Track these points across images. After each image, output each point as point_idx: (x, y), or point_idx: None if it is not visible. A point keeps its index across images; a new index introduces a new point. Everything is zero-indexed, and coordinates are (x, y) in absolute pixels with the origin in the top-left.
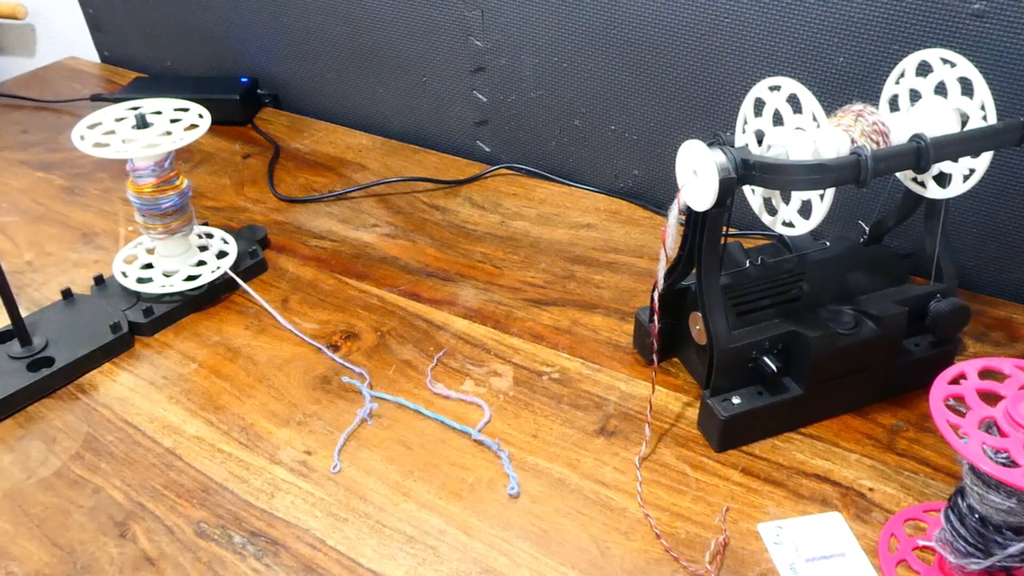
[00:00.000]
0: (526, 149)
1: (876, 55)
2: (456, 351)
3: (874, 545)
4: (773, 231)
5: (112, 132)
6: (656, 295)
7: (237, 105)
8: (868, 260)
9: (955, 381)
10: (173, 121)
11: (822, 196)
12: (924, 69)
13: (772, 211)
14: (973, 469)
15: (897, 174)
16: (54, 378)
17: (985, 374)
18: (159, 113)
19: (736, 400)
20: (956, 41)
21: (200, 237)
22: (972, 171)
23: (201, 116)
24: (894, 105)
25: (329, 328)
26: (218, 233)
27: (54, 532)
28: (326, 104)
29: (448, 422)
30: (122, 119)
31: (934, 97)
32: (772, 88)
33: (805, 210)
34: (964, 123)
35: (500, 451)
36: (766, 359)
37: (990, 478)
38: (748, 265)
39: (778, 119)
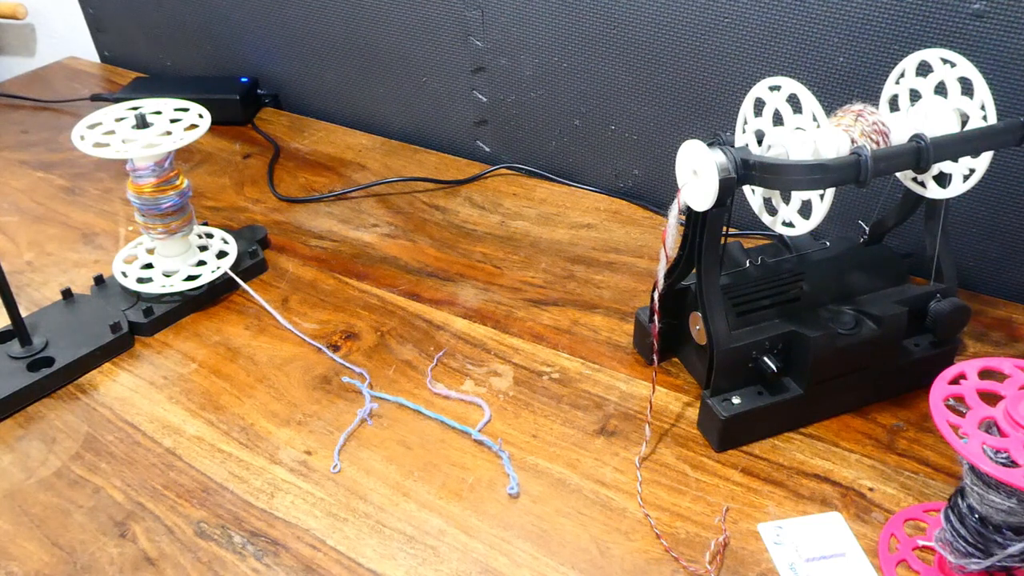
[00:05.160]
0: (526, 149)
1: (876, 55)
2: (456, 351)
3: (874, 545)
4: (773, 231)
5: (112, 132)
6: (656, 295)
7: (237, 105)
8: (868, 260)
9: (955, 381)
10: (173, 121)
11: (822, 196)
12: (924, 69)
13: (772, 211)
14: (973, 469)
15: (897, 174)
16: (54, 378)
17: (985, 374)
18: (159, 113)
19: (736, 400)
20: (956, 41)
21: (200, 237)
22: (972, 171)
23: (201, 116)
24: (894, 105)
25: (329, 328)
26: (218, 233)
27: (54, 532)
28: (326, 104)
29: (448, 422)
30: (122, 119)
31: (934, 97)
32: (772, 88)
33: (805, 210)
34: (964, 123)
35: (501, 451)
36: (766, 359)
37: (990, 478)
38: (748, 265)
39: (778, 119)
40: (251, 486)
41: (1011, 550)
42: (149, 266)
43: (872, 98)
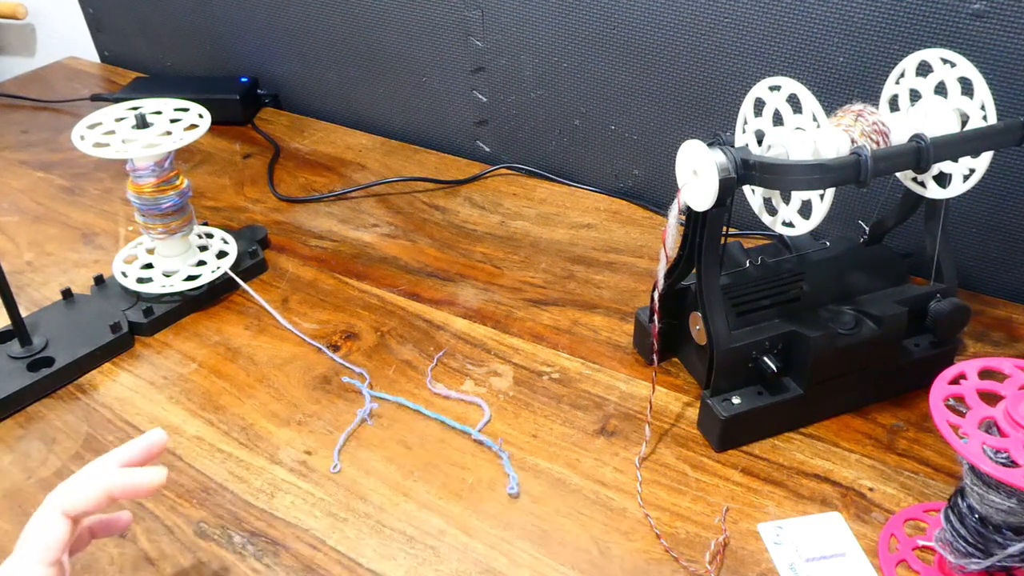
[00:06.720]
0: (526, 149)
1: (876, 55)
2: (456, 351)
3: (874, 545)
4: (773, 231)
5: (112, 132)
6: (656, 295)
7: (237, 105)
8: (868, 260)
9: (955, 381)
10: (173, 121)
11: (822, 196)
12: (924, 69)
13: (772, 211)
14: (973, 469)
15: (897, 174)
16: (54, 378)
17: (985, 374)
18: (159, 113)
19: (736, 400)
20: (956, 41)
21: (200, 237)
22: (972, 171)
23: (201, 116)
24: (894, 105)
25: (329, 328)
26: (218, 233)
27: None
28: (326, 104)
29: (448, 422)
30: (122, 119)
31: (934, 97)
32: (772, 88)
33: (805, 210)
34: (964, 123)
35: (501, 451)
36: (766, 359)
37: (990, 478)
38: (748, 265)
39: (778, 119)
40: (251, 486)
41: (1011, 550)
42: (149, 266)
43: (872, 98)
